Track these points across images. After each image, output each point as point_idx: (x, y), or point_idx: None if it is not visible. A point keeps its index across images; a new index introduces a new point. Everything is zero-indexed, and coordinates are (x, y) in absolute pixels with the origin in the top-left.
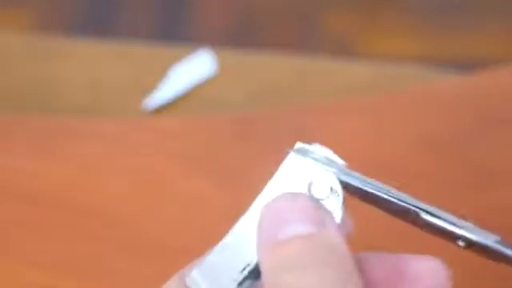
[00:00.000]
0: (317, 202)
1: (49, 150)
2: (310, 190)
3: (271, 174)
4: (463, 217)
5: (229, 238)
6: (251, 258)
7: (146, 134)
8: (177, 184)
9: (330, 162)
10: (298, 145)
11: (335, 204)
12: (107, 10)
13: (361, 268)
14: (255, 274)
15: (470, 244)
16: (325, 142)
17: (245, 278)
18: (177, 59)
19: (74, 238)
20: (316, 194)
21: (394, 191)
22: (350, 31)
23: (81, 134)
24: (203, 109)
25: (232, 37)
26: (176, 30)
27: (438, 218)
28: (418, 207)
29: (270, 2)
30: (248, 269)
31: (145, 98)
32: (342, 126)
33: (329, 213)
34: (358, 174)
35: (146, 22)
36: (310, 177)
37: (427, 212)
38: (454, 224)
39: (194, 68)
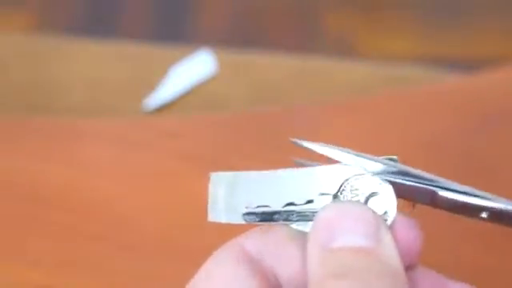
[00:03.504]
0: (375, 214)
1: (49, 150)
2: (367, 201)
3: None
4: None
5: (268, 175)
6: (271, 204)
7: (146, 133)
8: (177, 183)
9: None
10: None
11: (389, 210)
12: (107, 10)
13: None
14: (264, 216)
15: (494, 215)
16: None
17: (255, 213)
18: (177, 59)
19: (73, 238)
20: (372, 205)
21: (411, 170)
22: (350, 31)
23: (81, 134)
24: (203, 108)
25: (232, 37)
26: (176, 30)
27: (459, 192)
28: (435, 185)
29: (269, 2)
30: (263, 208)
31: (145, 97)
32: (342, 126)
33: (387, 227)
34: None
35: (146, 22)
36: (362, 186)
37: (445, 189)
38: (476, 196)
39: (194, 68)
